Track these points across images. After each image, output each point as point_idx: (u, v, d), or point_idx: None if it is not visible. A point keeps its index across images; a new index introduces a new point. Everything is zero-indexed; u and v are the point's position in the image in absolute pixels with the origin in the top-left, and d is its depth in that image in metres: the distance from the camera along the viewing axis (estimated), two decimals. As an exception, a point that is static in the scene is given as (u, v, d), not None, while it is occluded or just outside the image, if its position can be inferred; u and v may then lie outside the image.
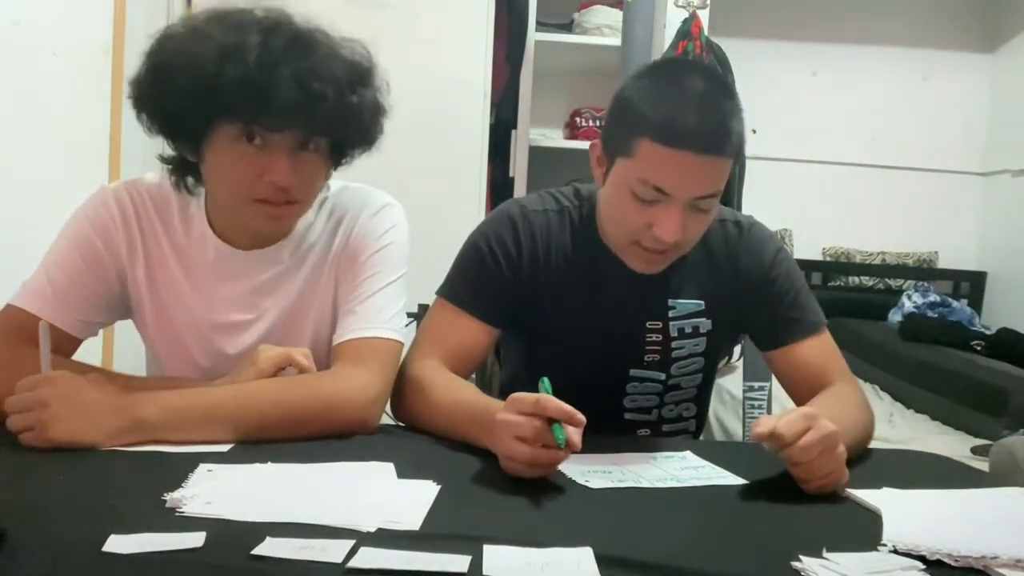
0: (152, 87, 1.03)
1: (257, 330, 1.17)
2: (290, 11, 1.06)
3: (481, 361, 1.22)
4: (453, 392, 1.08)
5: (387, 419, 1.18)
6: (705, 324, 1.21)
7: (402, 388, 1.13)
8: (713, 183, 1.04)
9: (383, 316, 1.15)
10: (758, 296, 1.21)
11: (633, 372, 1.22)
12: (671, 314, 1.20)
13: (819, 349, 1.19)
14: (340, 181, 1.25)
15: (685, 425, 1.33)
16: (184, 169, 1.13)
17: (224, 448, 0.96)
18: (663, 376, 1.22)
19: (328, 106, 1.02)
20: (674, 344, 1.21)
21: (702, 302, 1.20)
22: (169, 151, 1.13)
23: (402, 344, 1.16)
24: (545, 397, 0.87)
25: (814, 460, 0.87)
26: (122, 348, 2.09)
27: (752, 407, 2.14)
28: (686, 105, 1.01)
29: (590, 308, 1.20)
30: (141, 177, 1.20)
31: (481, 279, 1.19)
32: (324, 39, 1.06)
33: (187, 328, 1.18)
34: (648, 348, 1.21)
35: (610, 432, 1.16)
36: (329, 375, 1.09)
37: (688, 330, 1.21)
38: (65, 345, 1.12)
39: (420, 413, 1.10)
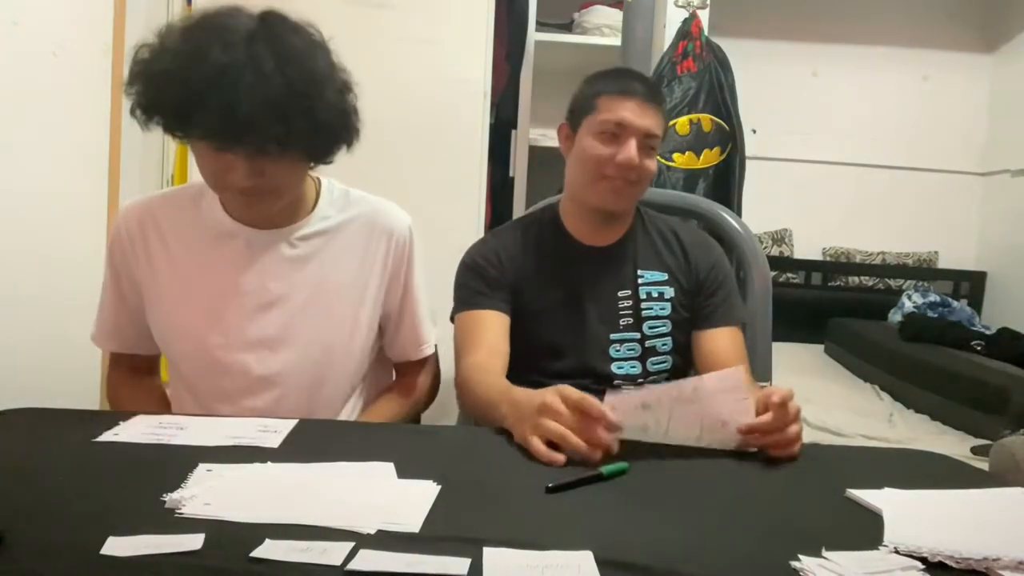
0: (128, 90, 1.11)
1: (278, 313, 1.23)
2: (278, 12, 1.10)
3: (507, 348, 1.40)
4: (490, 382, 1.27)
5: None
6: (669, 291, 1.47)
7: (459, 386, 1.34)
8: (656, 126, 1.38)
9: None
10: (703, 287, 1.48)
11: (613, 336, 1.44)
12: (640, 281, 1.46)
13: (733, 339, 1.45)
14: (359, 191, 1.31)
15: None
16: None
17: (222, 445, 0.95)
18: (638, 335, 1.44)
19: (258, 129, 1.03)
20: (643, 305, 1.45)
21: (665, 274, 1.48)
22: None
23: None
24: (589, 398, 0.98)
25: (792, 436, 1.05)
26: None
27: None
28: (630, 76, 1.45)
29: (566, 285, 1.44)
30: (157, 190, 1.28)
31: (477, 282, 1.44)
32: (274, 50, 1.05)
33: (202, 317, 1.23)
34: (622, 313, 1.44)
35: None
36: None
37: (655, 294, 1.46)
38: (148, 363, 1.35)
39: (470, 404, 1.29)
